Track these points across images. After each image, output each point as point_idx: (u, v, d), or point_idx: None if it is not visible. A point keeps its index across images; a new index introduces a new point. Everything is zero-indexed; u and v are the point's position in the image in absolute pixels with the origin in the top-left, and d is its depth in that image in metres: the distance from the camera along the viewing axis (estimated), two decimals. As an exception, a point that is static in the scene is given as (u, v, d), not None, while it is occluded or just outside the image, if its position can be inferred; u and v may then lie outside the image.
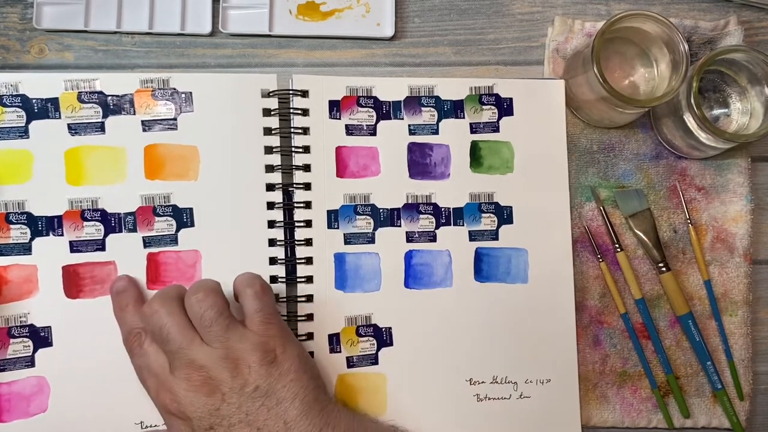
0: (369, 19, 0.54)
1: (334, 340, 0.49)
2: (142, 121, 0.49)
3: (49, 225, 0.47)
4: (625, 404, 0.52)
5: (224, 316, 0.43)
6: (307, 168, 0.50)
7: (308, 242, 0.49)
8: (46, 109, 0.48)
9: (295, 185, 0.49)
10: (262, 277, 0.46)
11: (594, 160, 0.53)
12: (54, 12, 0.52)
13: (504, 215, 0.51)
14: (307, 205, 0.49)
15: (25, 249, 0.47)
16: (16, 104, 0.48)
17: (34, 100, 0.48)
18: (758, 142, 0.50)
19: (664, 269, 0.51)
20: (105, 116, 0.49)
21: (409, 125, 0.51)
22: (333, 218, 0.50)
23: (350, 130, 0.51)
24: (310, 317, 0.49)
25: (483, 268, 0.51)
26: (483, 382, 0.50)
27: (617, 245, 0.52)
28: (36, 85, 0.48)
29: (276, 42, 0.53)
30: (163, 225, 0.48)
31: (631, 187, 0.53)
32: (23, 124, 0.48)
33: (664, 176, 0.53)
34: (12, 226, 0.47)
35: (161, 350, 0.43)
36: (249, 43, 0.53)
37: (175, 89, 0.49)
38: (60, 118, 0.48)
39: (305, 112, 0.50)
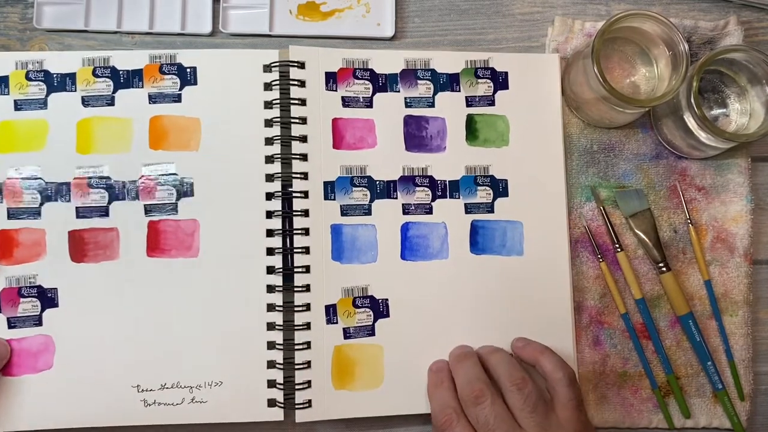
0: (369, 19, 0.54)
1: (331, 311, 0.49)
2: (149, 94, 0.50)
3: (58, 191, 0.49)
4: (625, 404, 0.51)
5: (542, 401, 0.44)
6: (303, 139, 0.50)
7: (305, 213, 0.50)
8: (64, 82, 0.51)
9: (292, 156, 0.50)
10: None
11: (594, 160, 0.53)
12: (54, 12, 0.52)
13: (499, 188, 0.51)
14: (304, 176, 0.50)
15: (35, 213, 0.49)
16: (40, 79, 0.50)
17: (54, 75, 0.50)
18: (758, 142, 0.50)
19: (664, 269, 0.51)
20: (116, 90, 0.50)
21: (405, 98, 0.52)
22: (329, 189, 0.50)
23: (346, 102, 0.51)
24: (307, 288, 0.49)
25: (478, 240, 0.51)
26: None
27: (617, 245, 0.52)
28: (58, 61, 0.51)
29: (276, 42, 0.53)
30: (164, 194, 0.50)
31: (631, 187, 0.53)
32: (43, 96, 0.50)
33: (664, 176, 0.53)
34: (24, 191, 0.49)
35: (473, 430, 0.44)
36: (249, 43, 0.53)
37: (180, 64, 0.51)
38: (75, 91, 0.50)
39: (302, 84, 0.50)
